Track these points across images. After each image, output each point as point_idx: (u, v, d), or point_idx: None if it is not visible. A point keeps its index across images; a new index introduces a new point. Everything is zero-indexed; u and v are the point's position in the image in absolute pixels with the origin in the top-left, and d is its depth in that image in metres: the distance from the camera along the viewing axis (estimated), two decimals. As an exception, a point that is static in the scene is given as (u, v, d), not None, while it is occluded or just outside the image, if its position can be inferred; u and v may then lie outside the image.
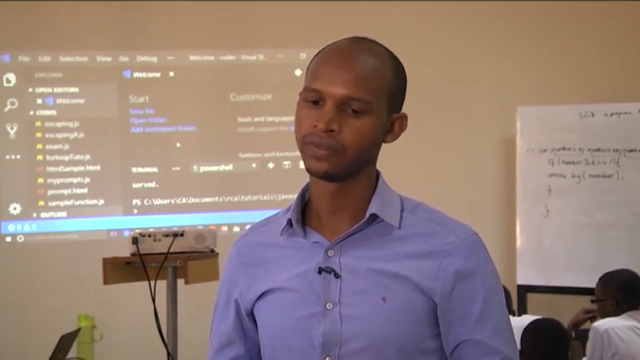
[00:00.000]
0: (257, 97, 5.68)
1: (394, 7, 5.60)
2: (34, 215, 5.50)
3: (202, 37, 5.63)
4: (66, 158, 5.54)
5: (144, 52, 5.60)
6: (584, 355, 3.91)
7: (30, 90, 5.53)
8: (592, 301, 4.15)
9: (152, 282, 3.18)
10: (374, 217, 1.54)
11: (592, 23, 5.65)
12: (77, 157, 5.54)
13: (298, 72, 5.52)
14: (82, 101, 5.57)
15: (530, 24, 5.69)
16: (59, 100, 5.55)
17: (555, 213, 5.31)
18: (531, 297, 5.34)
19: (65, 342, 4.01)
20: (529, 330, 3.60)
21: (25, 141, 5.51)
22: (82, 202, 5.54)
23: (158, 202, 5.60)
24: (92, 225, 5.54)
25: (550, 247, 5.32)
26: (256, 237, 1.65)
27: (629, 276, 4.08)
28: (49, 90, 5.54)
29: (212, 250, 3.34)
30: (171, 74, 5.62)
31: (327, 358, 1.51)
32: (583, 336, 4.10)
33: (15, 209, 5.48)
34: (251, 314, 1.63)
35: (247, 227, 1.71)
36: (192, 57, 5.66)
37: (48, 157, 5.53)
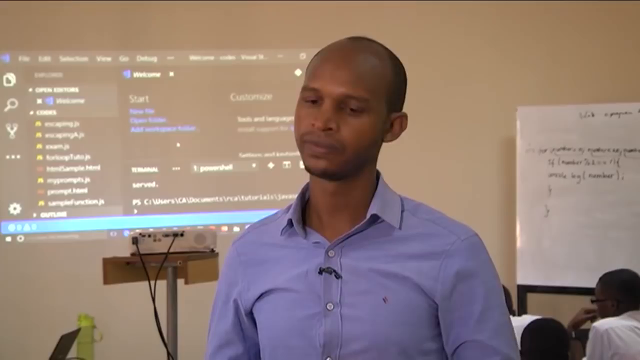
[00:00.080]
0: (257, 97, 5.68)
1: (394, 7, 5.60)
2: (34, 215, 5.50)
3: (202, 37, 5.63)
4: (66, 158, 5.54)
5: (144, 52, 5.60)
6: (584, 355, 3.91)
7: (30, 90, 5.54)
8: (592, 301, 4.15)
9: (152, 282, 3.18)
10: (375, 218, 1.54)
11: (592, 23, 5.65)
12: (77, 157, 5.55)
13: (298, 72, 5.52)
14: (82, 101, 5.57)
15: (530, 24, 5.69)
16: (59, 100, 5.55)
17: (555, 213, 5.31)
18: (531, 297, 5.34)
19: (65, 342, 4.01)
20: (529, 330, 3.60)
21: (25, 141, 5.51)
22: (82, 202, 5.54)
23: (158, 202, 5.60)
24: (92, 225, 5.54)
25: (550, 247, 5.32)
26: (255, 236, 1.65)
27: (629, 276, 4.08)
28: (49, 90, 5.54)
29: (212, 250, 3.34)
30: (171, 74, 5.62)
31: (328, 359, 1.51)
32: (583, 336, 4.09)
33: (15, 209, 5.48)
34: (250, 314, 1.63)
35: (247, 227, 1.71)
36: (192, 57, 5.66)
37: (48, 157, 5.53)
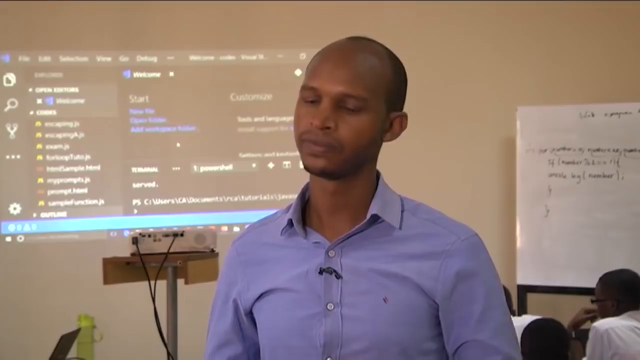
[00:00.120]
0: (257, 97, 5.68)
1: (394, 7, 5.60)
2: (34, 215, 5.50)
3: (202, 37, 5.63)
4: (66, 158, 5.54)
5: (144, 52, 5.60)
6: (584, 355, 3.91)
7: (30, 90, 5.54)
8: (592, 301, 4.15)
9: (152, 282, 3.18)
10: (375, 218, 1.54)
11: (592, 23, 5.65)
12: (77, 157, 5.54)
13: (298, 72, 5.51)
14: (82, 101, 5.57)
15: (530, 24, 5.69)
16: (59, 100, 5.55)
17: (555, 213, 5.31)
18: (531, 297, 5.34)
19: (65, 342, 4.00)
20: (529, 330, 3.60)
21: (25, 141, 5.51)
22: (82, 202, 5.54)
23: (158, 202, 5.60)
24: (92, 225, 5.54)
25: (550, 247, 5.32)
26: (255, 236, 1.65)
27: (629, 276, 4.08)
28: (49, 90, 5.54)
29: (212, 250, 3.34)
30: (171, 74, 5.62)
31: (328, 359, 1.52)
32: (583, 336, 4.09)
33: (15, 209, 5.48)
34: (250, 314, 1.63)
35: (247, 227, 1.71)
36: (192, 57, 5.65)
37: (48, 157, 5.53)
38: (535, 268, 5.33)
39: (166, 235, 3.25)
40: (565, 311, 4.87)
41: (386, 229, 1.54)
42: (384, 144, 1.58)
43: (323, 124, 1.48)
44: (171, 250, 3.22)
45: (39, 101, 5.54)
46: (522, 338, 3.53)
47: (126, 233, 5.33)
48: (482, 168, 5.68)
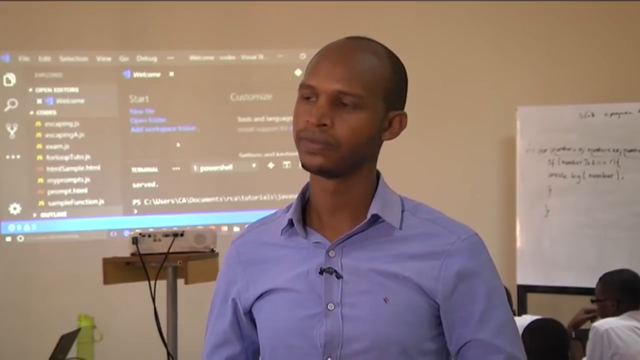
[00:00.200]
0: (257, 97, 5.68)
1: (394, 7, 5.60)
2: (34, 215, 5.50)
3: (202, 37, 5.63)
4: (66, 158, 5.54)
5: (144, 52, 5.60)
6: (584, 355, 3.91)
7: (30, 90, 5.53)
8: (592, 301, 4.15)
9: (152, 282, 3.18)
10: (375, 218, 1.54)
11: (592, 23, 5.65)
12: (77, 157, 5.55)
13: (298, 72, 5.51)
14: (82, 101, 5.57)
15: (530, 24, 5.69)
16: (59, 100, 5.55)
17: (555, 213, 5.31)
18: (531, 297, 5.34)
19: (65, 342, 4.00)
20: (529, 330, 3.60)
21: (25, 141, 5.51)
22: (82, 202, 5.54)
23: (158, 202, 5.60)
24: (92, 225, 5.54)
25: (550, 247, 5.32)
26: (255, 236, 1.65)
27: (629, 276, 4.08)
28: (49, 90, 5.54)
29: (212, 250, 3.33)
30: (171, 74, 5.62)
31: (329, 359, 1.51)
32: (583, 336, 4.09)
33: (15, 209, 5.48)
34: (249, 313, 1.63)
35: (246, 226, 1.71)
36: (192, 57, 5.65)
37: (48, 157, 5.53)
38: (535, 268, 5.33)
39: (166, 235, 3.25)
40: (565, 311, 4.87)
41: (386, 229, 1.54)
42: (384, 144, 1.57)
43: (319, 121, 1.48)
44: (171, 250, 3.22)
45: (39, 101, 5.54)
46: (522, 338, 3.53)
47: (126, 233, 5.33)
48: (482, 168, 5.68)
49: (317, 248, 1.55)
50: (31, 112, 5.52)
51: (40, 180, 5.52)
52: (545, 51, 5.66)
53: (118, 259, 3.35)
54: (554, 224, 5.31)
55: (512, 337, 1.56)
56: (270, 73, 5.65)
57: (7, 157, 5.48)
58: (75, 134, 5.55)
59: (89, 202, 5.55)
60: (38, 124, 5.53)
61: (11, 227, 5.48)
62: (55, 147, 5.52)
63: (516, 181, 5.40)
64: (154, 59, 5.61)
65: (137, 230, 3.36)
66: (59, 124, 5.53)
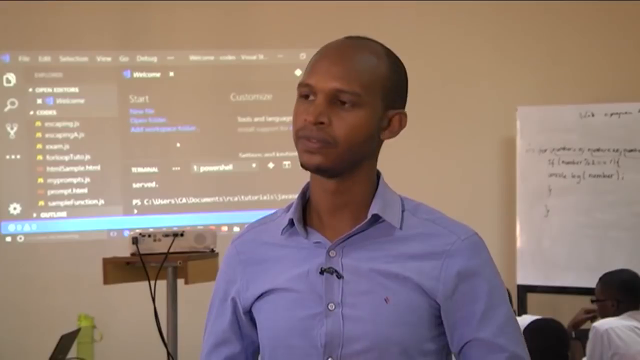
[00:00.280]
0: (257, 97, 5.68)
1: (394, 7, 5.60)
2: (34, 215, 5.50)
3: (202, 37, 5.63)
4: (66, 158, 5.54)
5: (144, 52, 5.60)
6: (584, 355, 3.91)
7: (30, 90, 5.54)
8: (592, 301, 4.15)
9: (152, 282, 3.18)
10: (376, 218, 1.54)
11: (592, 23, 5.65)
12: (77, 157, 5.55)
13: (298, 72, 5.51)
14: (82, 101, 5.57)
15: (530, 24, 5.69)
16: (59, 100, 5.55)
17: (555, 213, 5.31)
18: (531, 297, 5.34)
19: (65, 342, 4.00)
20: (529, 330, 3.60)
21: (25, 141, 5.51)
22: (82, 202, 5.54)
23: (158, 202, 5.60)
24: (92, 225, 5.54)
25: (550, 247, 5.32)
26: (255, 235, 1.65)
27: (629, 276, 4.08)
28: (49, 90, 5.54)
29: (212, 250, 3.33)
30: (171, 74, 5.62)
31: (329, 359, 1.51)
32: (583, 336, 4.09)
33: (15, 209, 5.48)
34: (248, 313, 1.62)
35: (246, 226, 1.70)
36: (192, 57, 5.65)
37: (48, 157, 5.53)
38: (535, 268, 5.33)
39: (166, 235, 3.25)
40: (565, 311, 4.87)
41: (387, 229, 1.54)
42: (384, 144, 1.57)
43: (316, 119, 1.48)
44: (171, 250, 3.22)
45: (39, 101, 5.54)
46: (522, 338, 3.53)
47: (126, 233, 5.33)
48: (482, 168, 5.68)
49: (318, 248, 1.55)
50: (31, 112, 5.52)
51: (40, 180, 5.52)
52: (545, 51, 5.66)
53: (118, 259, 3.35)
54: (554, 224, 5.31)
55: (515, 335, 1.56)
56: (270, 73, 5.65)
57: (7, 157, 5.48)
58: (75, 134, 5.55)
59: (89, 202, 5.55)
60: (38, 124, 5.53)
61: (11, 227, 5.48)
62: (55, 147, 5.52)
63: (516, 181, 5.40)
64: (154, 59, 5.61)
65: (137, 230, 3.36)
66: (59, 124, 5.53)
